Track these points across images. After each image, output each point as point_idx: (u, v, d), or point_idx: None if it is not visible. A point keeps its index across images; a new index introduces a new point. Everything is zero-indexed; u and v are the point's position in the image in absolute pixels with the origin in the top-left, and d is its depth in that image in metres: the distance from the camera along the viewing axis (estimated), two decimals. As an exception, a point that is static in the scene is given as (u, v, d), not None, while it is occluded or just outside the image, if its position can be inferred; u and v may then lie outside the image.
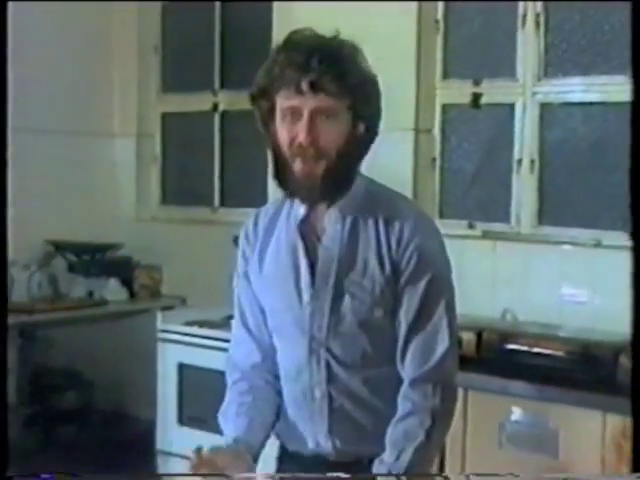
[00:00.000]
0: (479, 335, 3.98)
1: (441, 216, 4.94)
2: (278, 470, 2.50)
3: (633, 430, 2.20)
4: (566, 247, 4.55)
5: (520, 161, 4.77)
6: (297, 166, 2.26)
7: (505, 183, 4.82)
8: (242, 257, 2.50)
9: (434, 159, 4.99)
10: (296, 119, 2.24)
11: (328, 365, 2.34)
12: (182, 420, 5.11)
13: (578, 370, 3.75)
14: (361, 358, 2.34)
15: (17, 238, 5.32)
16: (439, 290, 2.32)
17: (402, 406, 2.30)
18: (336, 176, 2.29)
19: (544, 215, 4.73)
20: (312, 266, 2.35)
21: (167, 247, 5.89)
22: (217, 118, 5.98)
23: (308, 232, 2.37)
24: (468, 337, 3.96)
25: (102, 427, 5.70)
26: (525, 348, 3.89)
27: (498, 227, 4.82)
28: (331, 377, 2.35)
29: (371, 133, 2.35)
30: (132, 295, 5.85)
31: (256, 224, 2.48)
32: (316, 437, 2.39)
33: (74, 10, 5.76)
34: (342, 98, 2.24)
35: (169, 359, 5.09)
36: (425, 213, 2.49)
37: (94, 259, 5.75)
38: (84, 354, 5.70)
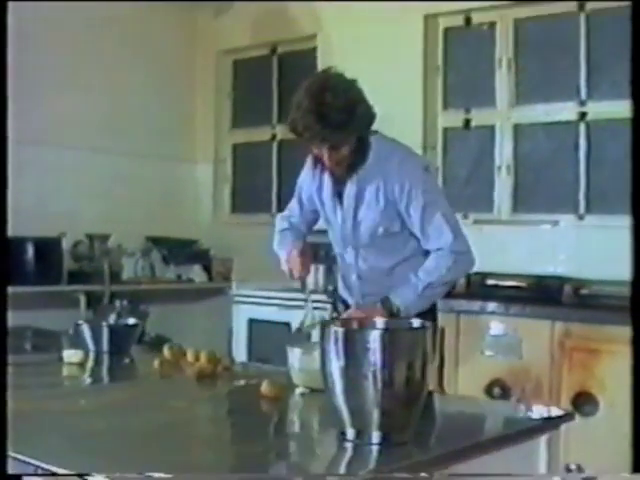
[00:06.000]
0: (468, 278, 4.98)
1: (443, 210, 5.90)
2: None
3: (633, 430, 2.40)
4: (534, 227, 5.44)
5: (500, 167, 5.66)
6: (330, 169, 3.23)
7: (489, 183, 5.71)
8: (310, 174, 3.40)
9: (437, 168, 5.83)
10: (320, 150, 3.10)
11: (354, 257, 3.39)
12: (251, 360, 6.02)
13: (535, 296, 4.74)
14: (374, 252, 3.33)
15: (126, 234, 6.49)
16: (431, 205, 3.18)
17: (432, 256, 3.22)
18: (354, 165, 3.18)
19: (518, 205, 5.62)
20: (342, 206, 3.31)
21: (236, 244, 6.81)
22: (275, 146, 6.94)
23: (340, 185, 3.29)
24: (460, 280, 4.97)
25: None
26: (499, 282, 4.91)
27: (485, 216, 5.69)
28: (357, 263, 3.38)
29: (370, 127, 3.14)
30: (210, 279, 6.84)
31: (316, 161, 3.31)
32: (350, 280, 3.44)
33: (165, 66, 6.93)
34: (342, 141, 3.04)
35: (241, 316, 6.12)
36: (408, 157, 3.26)
37: (182, 251, 6.73)
38: (173, 324, 6.63)
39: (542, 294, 4.73)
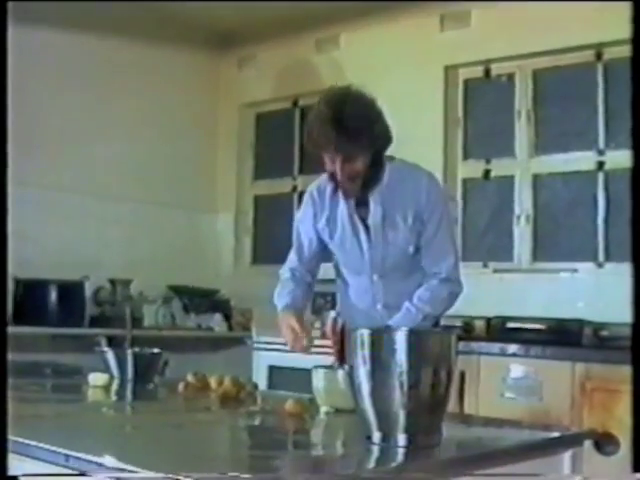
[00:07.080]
0: (488, 322, 4.99)
1: (463, 259, 5.85)
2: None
3: (633, 430, 2.37)
4: (553, 275, 5.49)
5: (519, 216, 5.72)
6: (342, 186, 3.22)
7: (509, 233, 5.77)
8: (312, 209, 3.37)
9: (456, 218, 5.88)
10: (333, 163, 3.11)
11: (381, 285, 3.37)
12: (270, 406, 6.05)
13: (555, 338, 4.74)
14: (400, 276, 3.34)
15: (147, 282, 6.55)
16: (446, 224, 3.29)
17: (426, 284, 3.28)
18: (368, 185, 3.21)
19: (537, 254, 5.67)
20: (367, 231, 3.32)
21: (256, 294, 6.79)
22: (296, 197, 6.97)
23: (361, 210, 3.31)
24: (480, 324, 5.00)
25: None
26: (520, 325, 4.91)
27: (504, 265, 5.75)
28: (384, 290, 3.37)
29: (386, 145, 3.20)
30: (230, 329, 6.85)
31: (320, 192, 3.37)
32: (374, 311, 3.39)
33: (188, 117, 7.08)
34: (357, 152, 3.08)
35: (262, 363, 6.12)
36: (433, 176, 3.35)
37: (202, 301, 6.77)
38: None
39: (562, 336, 4.73)
